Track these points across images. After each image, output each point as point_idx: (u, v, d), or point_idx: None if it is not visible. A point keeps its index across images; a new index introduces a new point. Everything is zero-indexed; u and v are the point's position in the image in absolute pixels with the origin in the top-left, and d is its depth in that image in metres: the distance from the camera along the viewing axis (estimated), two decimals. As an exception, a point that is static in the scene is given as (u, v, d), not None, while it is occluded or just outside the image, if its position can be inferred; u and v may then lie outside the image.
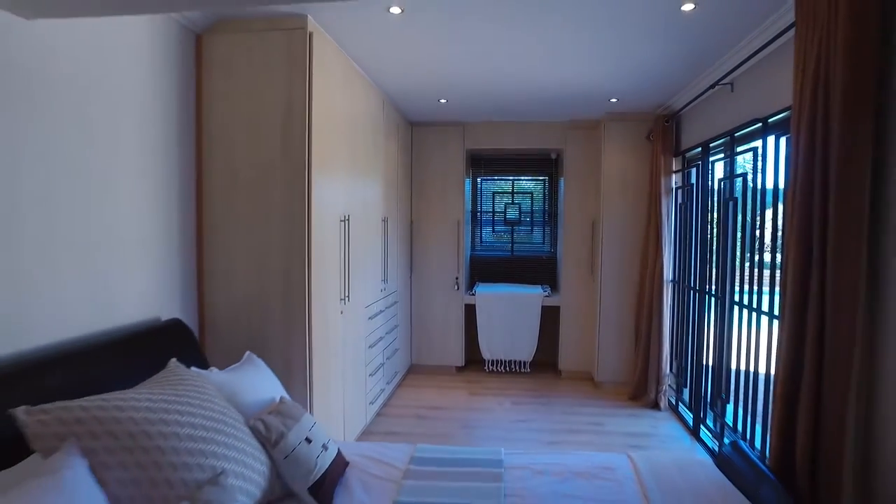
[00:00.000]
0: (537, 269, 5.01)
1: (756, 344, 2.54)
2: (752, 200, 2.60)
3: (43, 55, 1.56)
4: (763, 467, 1.74)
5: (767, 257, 2.47)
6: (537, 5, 2.10)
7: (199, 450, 1.30)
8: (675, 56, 2.71)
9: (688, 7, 2.08)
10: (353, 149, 2.86)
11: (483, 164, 5.01)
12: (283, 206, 2.29)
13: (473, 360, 4.66)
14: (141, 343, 1.83)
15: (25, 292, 1.51)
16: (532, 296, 4.49)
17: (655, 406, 3.73)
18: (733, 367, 2.78)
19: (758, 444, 2.50)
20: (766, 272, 2.48)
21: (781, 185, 2.20)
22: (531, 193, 5.05)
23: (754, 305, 2.54)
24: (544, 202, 5.03)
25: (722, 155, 3.02)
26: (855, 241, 1.56)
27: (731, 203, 2.84)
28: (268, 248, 2.32)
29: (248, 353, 2.01)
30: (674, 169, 3.73)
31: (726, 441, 2.81)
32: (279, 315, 2.32)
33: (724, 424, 2.90)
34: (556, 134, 4.40)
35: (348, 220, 2.76)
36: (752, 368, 2.58)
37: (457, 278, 4.50)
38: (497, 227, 5.07)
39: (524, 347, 4.50)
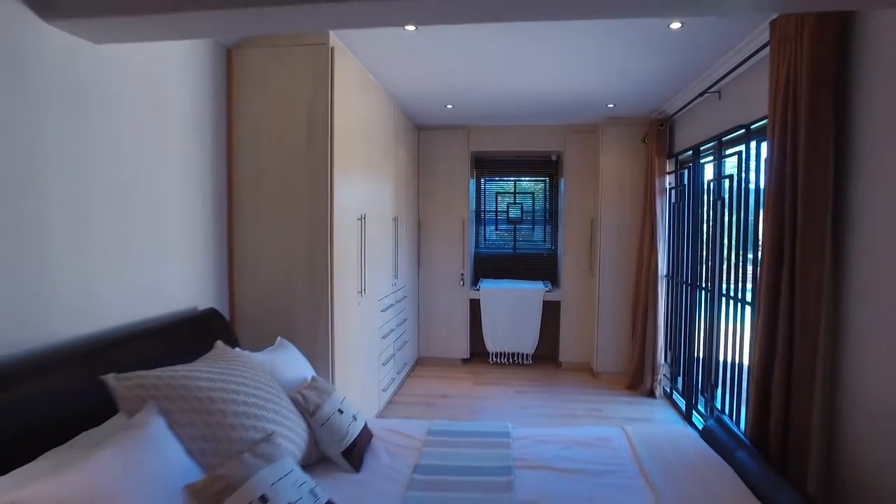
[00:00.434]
0: (539, 266, 5.23)
1: (741, 333, 2.76)
2: (737, 200, 2.82)
3: (103, 73, 1.78)
4: (742, 436, 1.96)
5: (752, 253, 2.69)
6: (545, 22, 2.32)
7: (252, 414, 1.52)
8: (666, 67, 2.93)
9: (675, 25, 2.31)
10: (368, 152, 3.08)
11: (486, 165, 5.23)
12: (307, 205, 2.51)
13: (478, 353, 4.88)
14: (186, 328, 2.05)
15: (96, 282, 1.73)
16: (534, 291, 4.71)
17: (651, 394, 3.95)
18: (722, 354, 3.00)
19: (742, 424, 2.71)
20: (750, 267, 2.70)
21: (762, 185, 2.42)
22: (532, 193, 5.27)
23: (740, 297, 2.77)
24: (545, 202, 5.25)
25: (711, 158, 3.24)
26: (819, 235, 1.78)
27: (719, 203, 3.06)
28: (293, 244, 2.53)
29: (279, 338, 2.23)
30: (667, 170, 3.95)
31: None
32: (303, 306, 2.53)
33: (713, 408, 3.12)
34: (557, 137, 4.63)
35: (364, 218, 2.98)
36: (738, 356, 2.80)
37: (462, 274, 4.72)
38: (500, 226, 5.29)
39: (526, 340, 4.72)
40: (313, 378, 1.99)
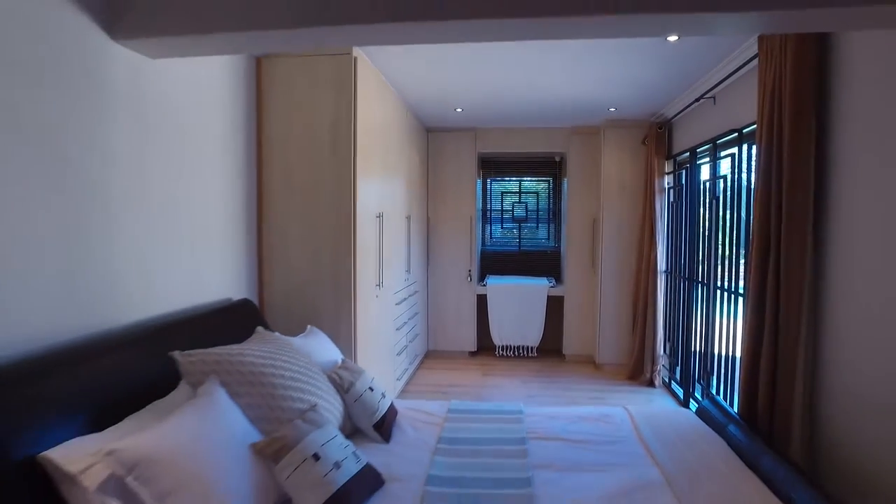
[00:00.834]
0: (543, 263, 5.43)
1: (735, 325, 2.95)
2: (731, 199, 3.02)
3: (156, 83, 1.98)
4: (732, 412, 2.16)
5: (744, 249, 2.89)
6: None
7: (298, 388, 1.72)
8: (664, 74, 3.13)
9: (673, 38, 2.50)
10: (385, 154, 3.28)
11: (493, 166, 5.43)
12: (331, 204, 2.70)
13: (485, 346, 5.08)
14: (225, 316, 2.24)
15: (150, 275, 1.93)
16: (538, 287, 4.91)
17: (651, 384, 4.15)
18: (718, 345, 3.20)
19: (736, 407, 2.91)
20: (743, 262, 2.90)
21: (753, 185, 2.61)
22: (537, 193, 5.47)
23: (734, 290, 2.96)
24: (549, 201, 5.45)
25: (707, 159, 3.44)
26: (802, 233, 1.98)
27: (714, 202, 3.26)
28: (318, 240, 2.73)
29: (309, 326, 2.43)
30: (666, 171, 4.15)
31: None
32: (328, 297, 2.73)
33: (709, 394, 3.31)
34: (560, 139, 4.83)
35: (382, 216, 3.18)
36: (732, 346, 3.00)
37: (469, 271, 4.92)
38: (506, 225, 5.50)
39: (532, 334, 4.92)
40: (344, 360, 2.19)
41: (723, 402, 2.28)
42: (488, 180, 5.49)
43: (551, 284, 4.98)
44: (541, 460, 1.79)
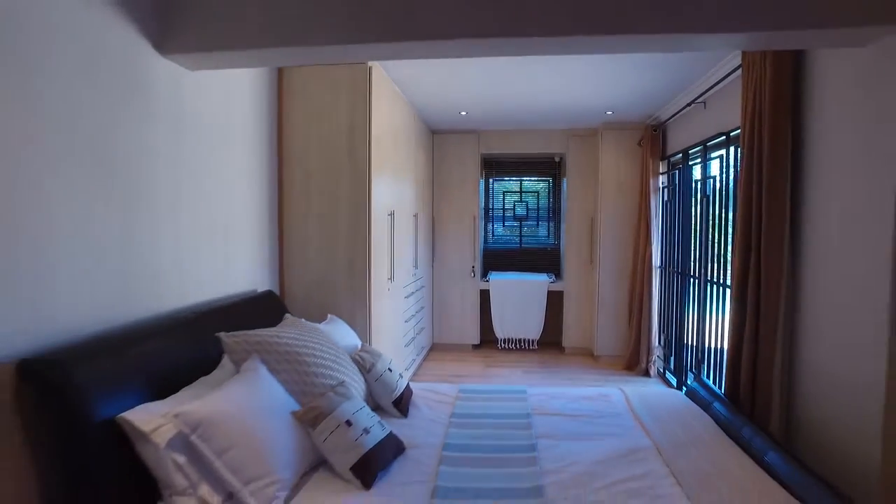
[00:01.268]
0: (543, 259, 5.64)
1: (723, 315, 3.16)
2: (720, 198, 3.23)
3: (192, 91, 2.18)
4: (718, 392, 2.37)
5: (732, 245, 3.10)
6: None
7: (327, 366, 1.93)
8: (659, 80, 3.34)
9: (665, 49, 2.71)
10: (395, 156, 3.49)
11: (495, 166, 5.63)
12: (348, 202, 2.91)
13: (487, 339, 5.30)
14: (253, 305, 2.45)
15: (186, 268, 2.13)
16: (539, 282, 5.12)
17: (646, 373, 4.36)
18: (709, 335, 3.41)
19: (723, 388, 3.12)
20: (730, 257, 3.10)
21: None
22: (537, 192, 5.68)
23: (723, 283, 3.17)
24: (549, 200, 5.66)
25: (699, 160, 3.65)
26: (780, 227, 2.18)
27: (705, 200, 3.47)
28: (336, 235, 2.93)
29: (329, 315, 2.63)
30: (660, 171, 4.36)
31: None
32: (345, 289, 2.94)
33: (697, 377, 3.52)
34: (560, 140, 5.04)
35: (393, 214, 3.38)
36: (722, 336, 3.20)
37: (472, 267, 5.13)
38: (507, 222, 5.71)
39: (532, 327, 5.13)
40: (363, 344, 2.40)
41: (709, 383, 2.49)
42: (490, 180, 5.69)
43: (551, 280, 5.19)
44: (544, 431, 2.00)
